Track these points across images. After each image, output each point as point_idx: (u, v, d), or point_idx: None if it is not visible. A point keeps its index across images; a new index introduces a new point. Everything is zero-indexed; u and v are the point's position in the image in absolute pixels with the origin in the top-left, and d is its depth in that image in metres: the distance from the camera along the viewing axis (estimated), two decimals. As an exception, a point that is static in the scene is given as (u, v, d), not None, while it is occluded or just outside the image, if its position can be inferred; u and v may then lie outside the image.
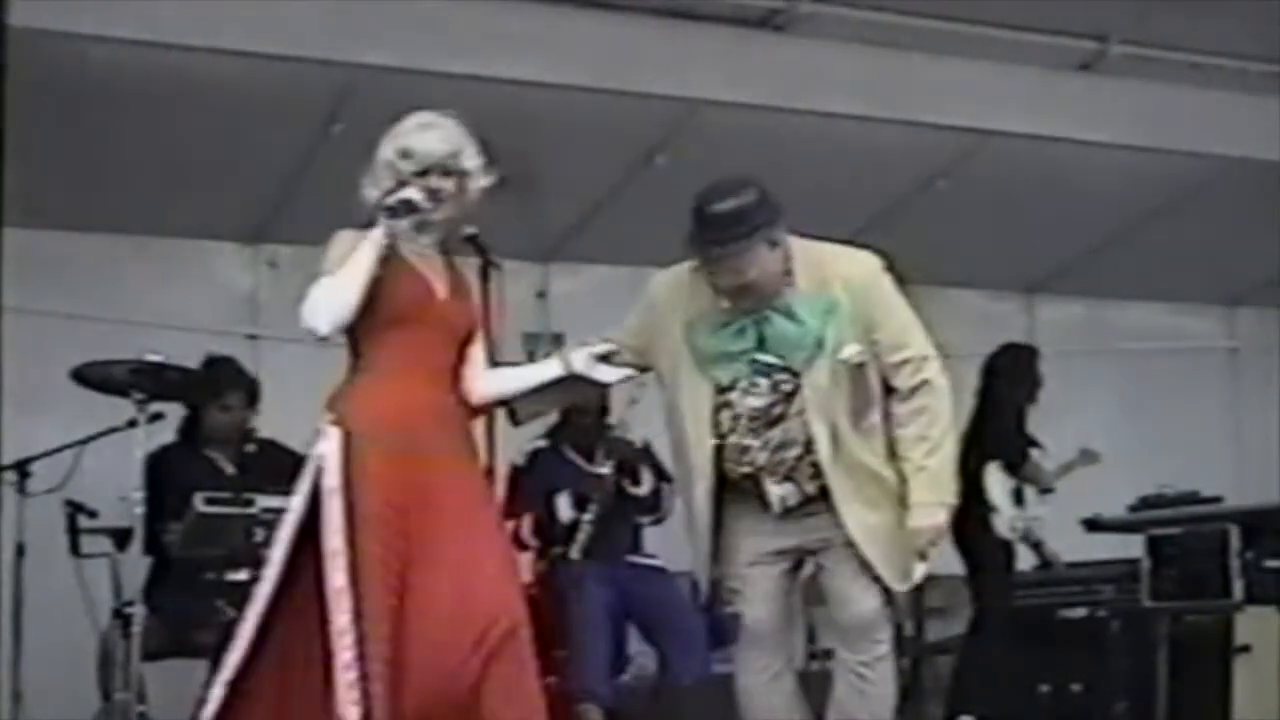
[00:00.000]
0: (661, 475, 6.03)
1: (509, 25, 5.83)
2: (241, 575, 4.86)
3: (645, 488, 6.06)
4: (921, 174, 6.75)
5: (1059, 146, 6.76)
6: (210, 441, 5.65)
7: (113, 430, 5.03)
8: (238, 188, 6.40)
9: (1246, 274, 8.21)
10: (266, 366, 6.21)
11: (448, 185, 3.80)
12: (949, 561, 6.42)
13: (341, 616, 3.51)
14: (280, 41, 5.58)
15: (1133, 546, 6.55)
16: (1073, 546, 7.02)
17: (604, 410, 5.97)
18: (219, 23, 5.47)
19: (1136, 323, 8.61)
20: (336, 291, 3.66)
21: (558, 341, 6.33)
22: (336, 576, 3.54)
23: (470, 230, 4.64)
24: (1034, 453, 6.87)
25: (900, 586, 4.02)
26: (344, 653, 3.49)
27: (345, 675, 3.47)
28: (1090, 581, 6.76)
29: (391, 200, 3.70)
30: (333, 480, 3.61)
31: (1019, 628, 6.74)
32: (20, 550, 5.14)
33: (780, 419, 3.96)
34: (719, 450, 4.00)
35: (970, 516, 6.67)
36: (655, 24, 6.09)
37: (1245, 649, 5.93)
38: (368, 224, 3.72)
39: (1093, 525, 6.94)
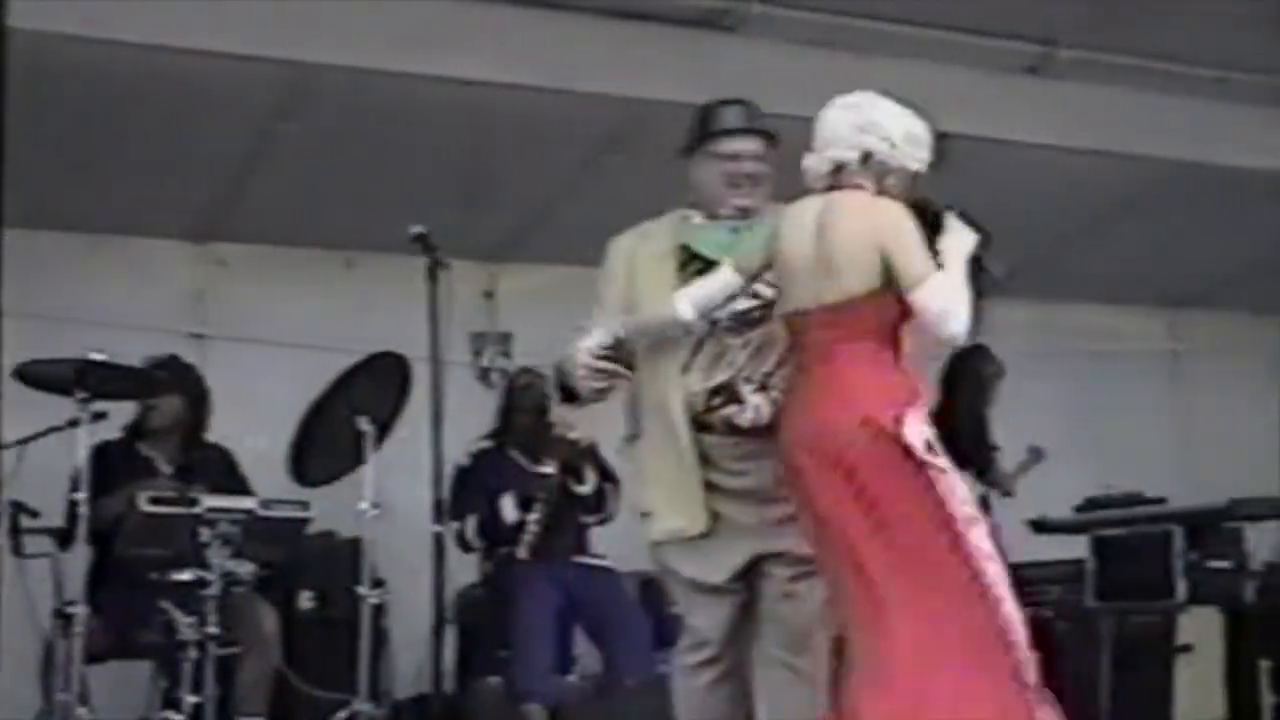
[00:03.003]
0: (606, 475, 6.03)
1: (459, 24, 5.81)
2: (186, 575, 4.83)
3: (589, 487, 6.05)
4: (869, 175, 6.73)
5: (1005, 149, 6.76)
6: (151, 440, 5.62)
7: (55, 429, 4.99)
8: (186, 185, 6.35)
9: (1190, 277, 8.27)
10: (213, 366, 6.17)
11: None
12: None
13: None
14: (229, 39, 5.53)
15: (1078, 547, 6.59)
16: (1017, 547, 7.00)
17: (543, 410, 5.82)
18: (167, 19, 5.42)
19: (1080, 324, 8.62)
20: None
21: (505, 341, 6.33)
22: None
23: (418, 230, 4.66)
24: (995, 455, 6.92)
25: None
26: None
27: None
28: (1036, 581, 6.79)
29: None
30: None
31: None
32: (-39, 551, 5.08)
33: (761, 320, 3.95)
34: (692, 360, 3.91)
35: None
36: (605, 24, 6.06)
37: (1187, 648, 5.97)
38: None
39: (1039, 526, 6.97)
